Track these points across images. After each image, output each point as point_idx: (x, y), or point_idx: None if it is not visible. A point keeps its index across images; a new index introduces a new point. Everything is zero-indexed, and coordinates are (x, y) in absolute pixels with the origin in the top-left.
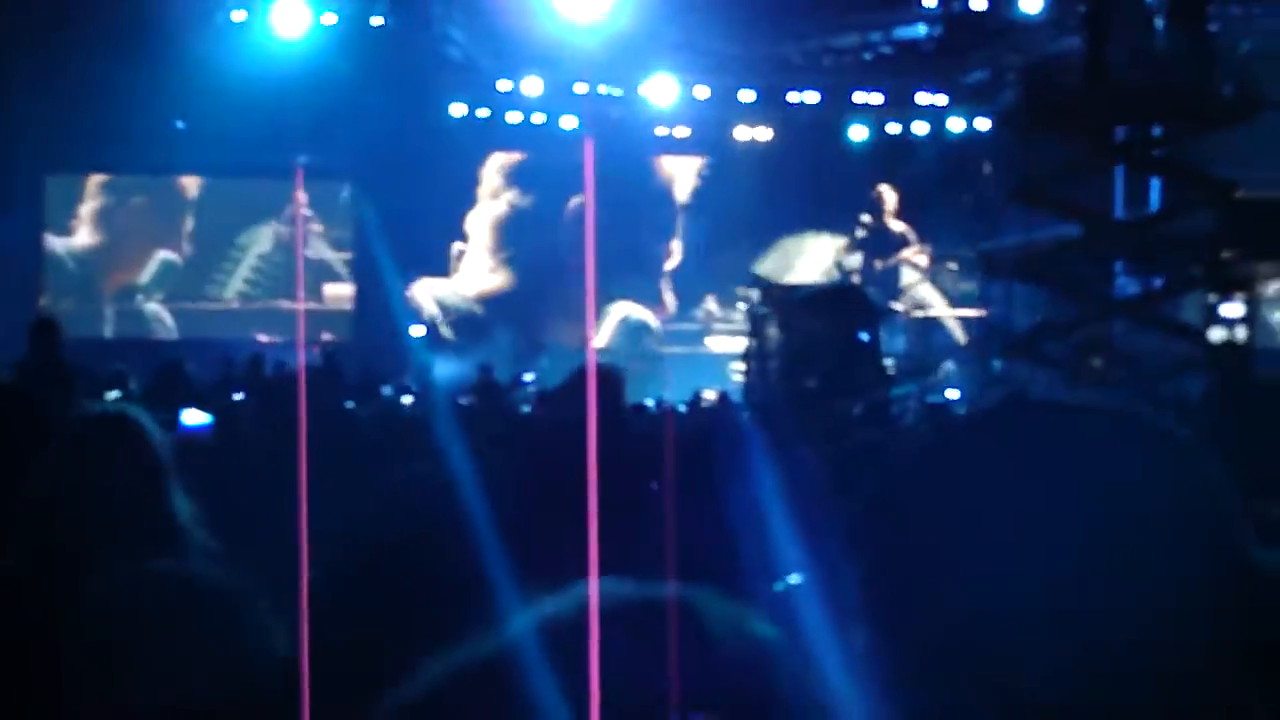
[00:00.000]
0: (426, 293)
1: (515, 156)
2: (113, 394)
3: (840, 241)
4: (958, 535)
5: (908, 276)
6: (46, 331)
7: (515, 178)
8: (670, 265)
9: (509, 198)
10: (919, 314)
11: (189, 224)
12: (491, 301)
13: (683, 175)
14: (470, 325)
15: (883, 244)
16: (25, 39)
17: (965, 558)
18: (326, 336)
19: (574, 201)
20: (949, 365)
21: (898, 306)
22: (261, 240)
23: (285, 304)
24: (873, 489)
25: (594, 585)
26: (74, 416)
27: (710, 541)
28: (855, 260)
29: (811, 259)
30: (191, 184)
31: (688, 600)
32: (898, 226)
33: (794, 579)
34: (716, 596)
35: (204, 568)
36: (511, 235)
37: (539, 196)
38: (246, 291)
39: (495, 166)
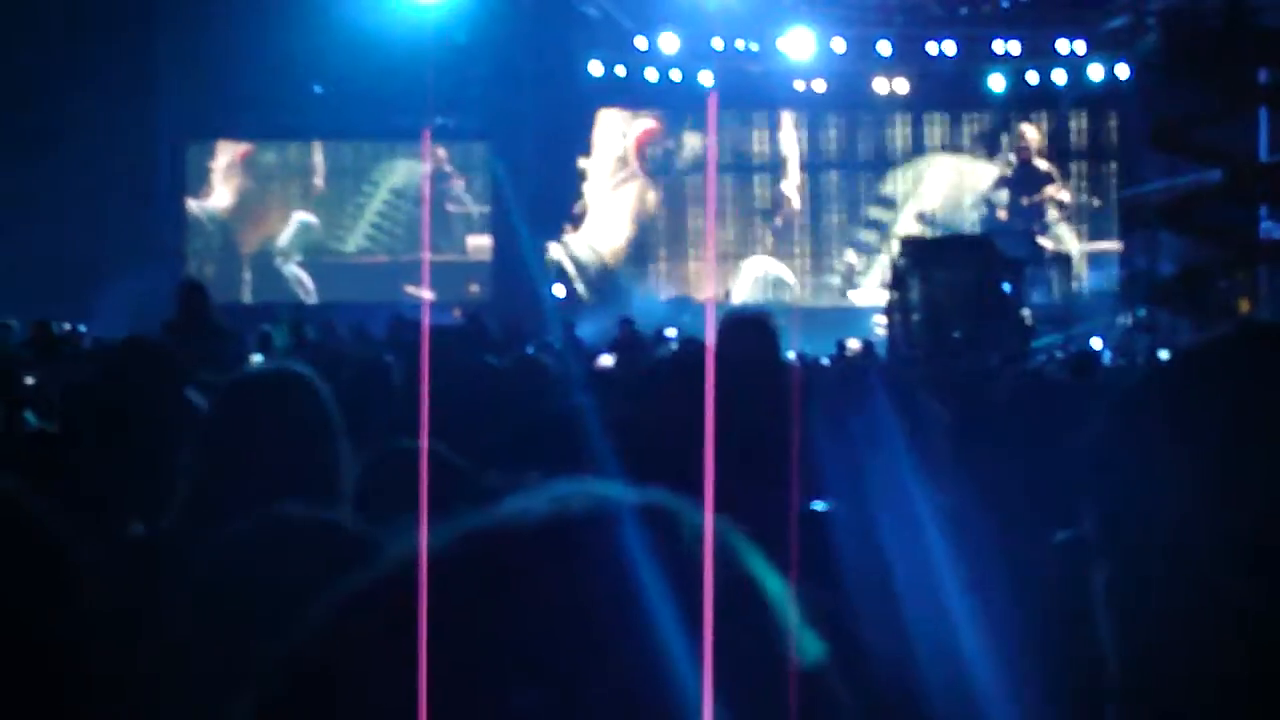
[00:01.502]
0: (563, 252)
1: (630, 129)
2: (257, 357)
3: (970, 165)
4: (1200, 463)
5: (1052, 213)
6: (195, 293)
7: (631, 145)
8: (800, 219)
9: (638, 135)
10: (1062, 250)
11: (323, 185)
12: (627, 258)
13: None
14: (607, 282)
15: (1028, 181)
16: (164, 9)
17: (1208, 486)
18: (474, 288)
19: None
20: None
21: (1045, 243)
22: (391, 185)
23: (430, 257)
24: (1106, 421)
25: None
26: (243, 374)
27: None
28: (1003, 196)
29: (946, 180)
30: (325, 146)
31: (664, 508)
32: (1042, 164)
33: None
34: (696, 508)
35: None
36: (645, 193)
37: (671, 155)
38: (374, 237)
39: (625, 126)
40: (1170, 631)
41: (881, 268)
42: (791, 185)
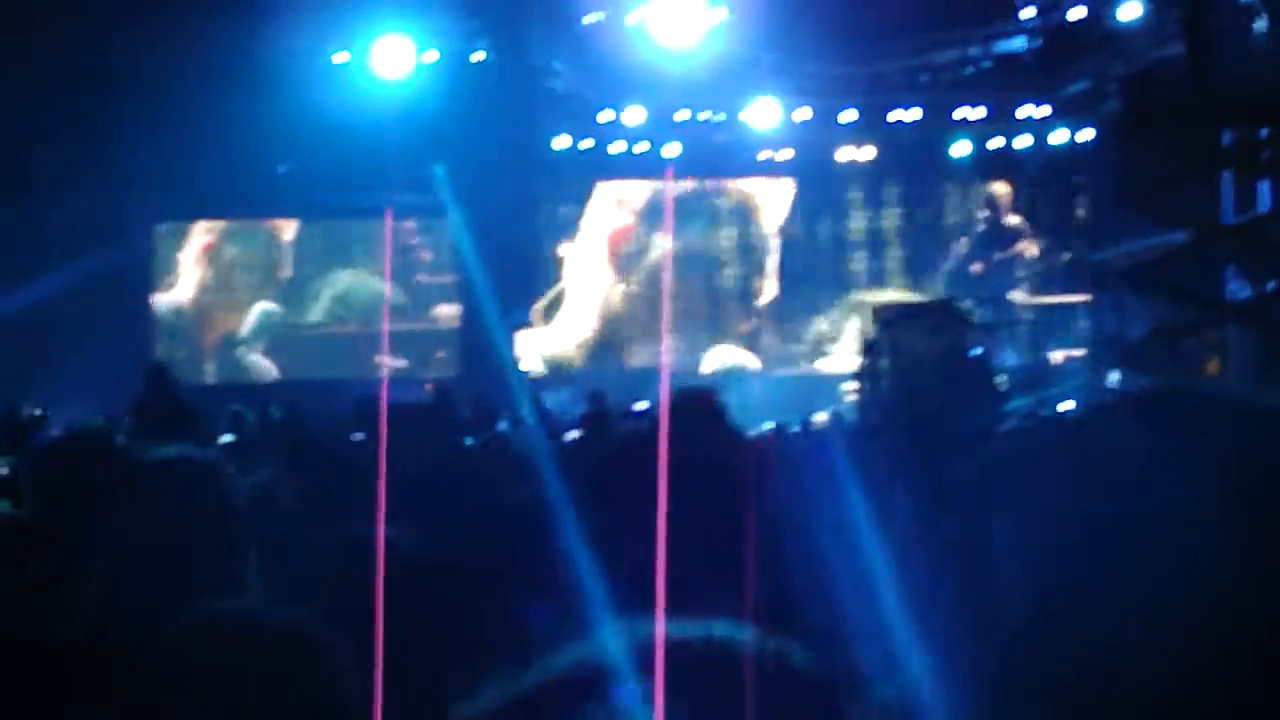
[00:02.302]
0: (530, 346)
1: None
2: (227, 437)
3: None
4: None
5: (1022, 270)
6: (161, 375)
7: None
8: (768, 298)
9: (612, 233)
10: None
11: (286, 269)
12: (593, 352)
13: (773, 202)
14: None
15: (999, 238)
16: (131, 87)
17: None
18: (440, 354)
19: (664, 247)
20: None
21: (1018, 297)
22: (354, 261)
23: (401, 326)
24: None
25: (659, 623)
26: (146, 460)
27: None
28: (975, 252)
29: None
30: (287, 228)
31: (749, 645)
32: (1013, 220)
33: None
34: (789, 643)
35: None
36: (619, 270)
37: (642, 232)
38: (338, 312)
39: (600, 202)
40: None
41: (851, 336)
42: (769, 270)
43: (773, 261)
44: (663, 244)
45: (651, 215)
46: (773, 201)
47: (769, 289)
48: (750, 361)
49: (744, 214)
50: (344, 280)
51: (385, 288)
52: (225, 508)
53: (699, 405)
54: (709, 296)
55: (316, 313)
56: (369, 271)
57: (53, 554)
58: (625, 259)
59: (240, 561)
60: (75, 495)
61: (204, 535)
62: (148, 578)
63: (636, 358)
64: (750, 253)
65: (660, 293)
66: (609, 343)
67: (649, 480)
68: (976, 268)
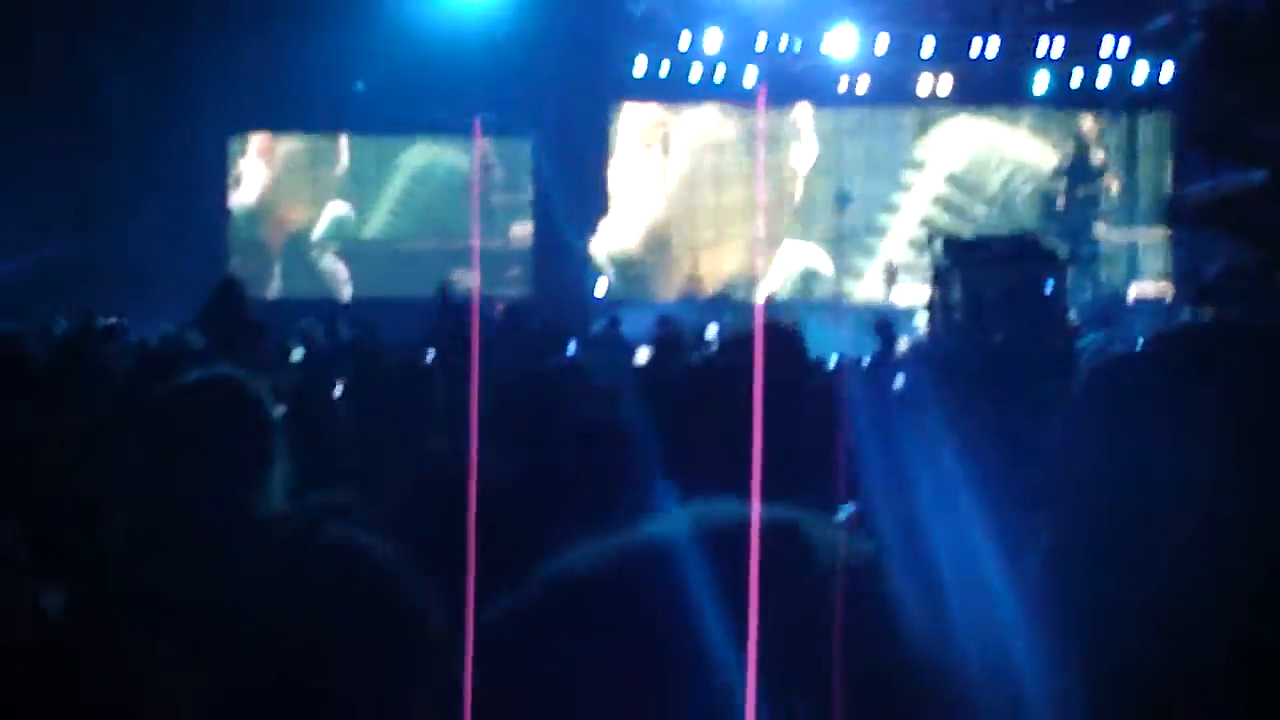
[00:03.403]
0: (602, 249)
1: (672, 116)
2: (298, 353)
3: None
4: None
5: (1106, 204)
6: (229, 290)
7: (673, 135)
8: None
9: (674, 155)
10: (1119, 237)
11: (352, 176)
12: (656, 246)
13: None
14: (641, 272)
15: (1084, 171)
16: (207, 4)
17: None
18: (514, 273)
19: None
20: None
21: (1100, 233)
22: (424, 172)
23: (471, 244)
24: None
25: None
26: (182, 382)
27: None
28: (1059, 184)
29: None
30: (354, 138)
31: (790, 521)
32: (1099, 155)
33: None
34: (819, 519)
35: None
36: (677, 189)
37: (699, 153)
38: (414, 225)
39: (652, 123)
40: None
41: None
42: (806, 155)
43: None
44: (695, 124)
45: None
46: (838, 123)
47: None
48: (824, 264)
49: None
50: (418, 156)
51: (473, 203)
52: (255, 429)
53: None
54: (772, 209)
55: (387, 201)
56: (443, 147)
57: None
58: (665, 143)
59: (271, 484)
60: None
61: (232, 457)
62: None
63: (707, 270)
64: (795, 135)
65: (706, 173)
66: (663, 235)
67: (726, 413)
68: (1059, 201)
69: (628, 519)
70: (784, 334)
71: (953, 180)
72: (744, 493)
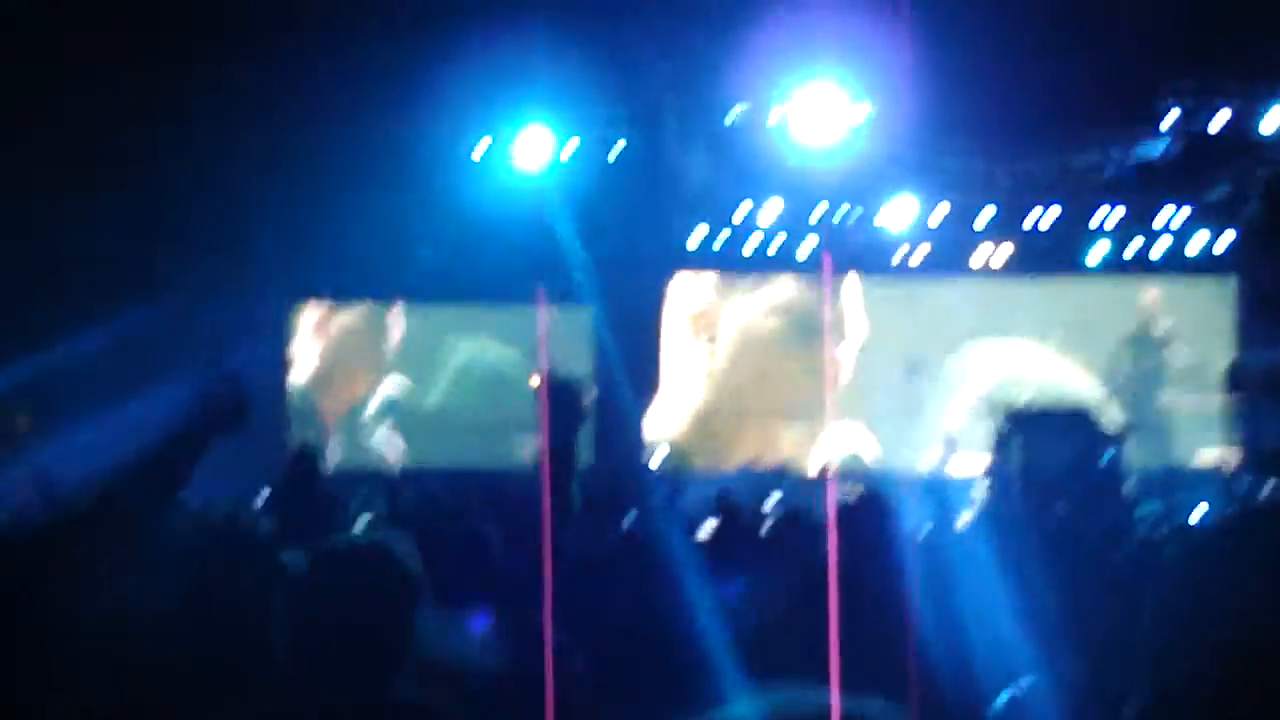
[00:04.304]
0: (659, 421)
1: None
2: (364, 517)
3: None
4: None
5: (1169, 375)
6: (306, 459)
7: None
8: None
9: (723, 345)
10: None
11: (396, 336)
12: (703, 430)
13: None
14: (690, 453)
15: (1147, 340)
16: (270, 169)
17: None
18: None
19: (771, 311)
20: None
21: (1165, 399)
22: (466, 355)
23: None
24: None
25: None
26: (328, 546)
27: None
28: (1124, 356)
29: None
30: (417, 313)
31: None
32: (1162, 325)
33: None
34: (892, 709)
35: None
36: (727, 370)
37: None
38: (474, 398)
39: (702, 310)
40: None
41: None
42: (851, 345)
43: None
44: (746, 313)
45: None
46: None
47: (886, 377)
48: (868, 445)
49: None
50: (465, 351)
51: (514, 359)
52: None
53: (876, 511)
54: (801, 371)
55: (440, 386)
56: (491, 340)
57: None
58: (712, 333)
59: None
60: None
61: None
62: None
63: (751, 445)
64: (840, 326)
65: (753, 365)
66: (711, 422)
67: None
68: (1123, 371)
69: (706, 704)
70: (881, 505)
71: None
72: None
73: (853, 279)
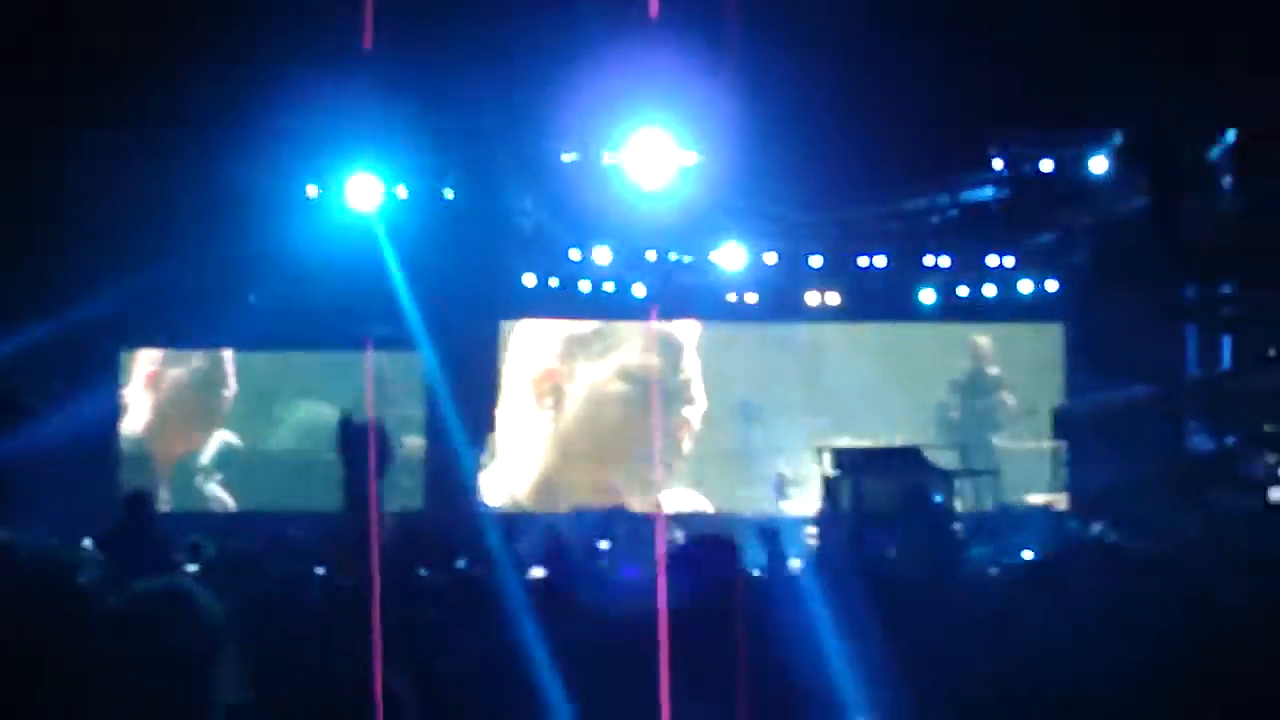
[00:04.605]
0: (488, 474)
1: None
2: (191, 566)
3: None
4: None
5: (1001, 417)
6: (139, 503)
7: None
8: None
9: (552, 389)
10: (1013, 448)
11: (231, 391)
12: (540, 490)
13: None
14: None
15: (980, 384)
16: (101, 213)
17: None
18: (405, 485)
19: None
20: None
21: (995, 442)
22: (313, 405)
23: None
24: None
25: None
26: (131, 591)
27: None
28: (955, 399)
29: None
30: (247, 359)
31: None
32: (993, 369)
33: None
34: None
35: None
36: (564, 425)
37: (586, 373)
38: (300, 440)
39: (534, 361)
40: None
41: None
42: (697, 409)
43: (720, 401)
44: (593, 377)
45: (578, 347)
46: (720, 337)
47: (720, 427)
48: (703, 504)
49: (676, 348)
50: (304, 410)
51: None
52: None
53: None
54: (647, 434)
55: (278, 442)
56: (326, 401)
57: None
58: (552, 397)
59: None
60: (43, 629)
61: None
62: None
63: (582, 496)
64: (686, 390)
65: (599, 429)
66: (553, 482)
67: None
68: (954, 414)
69: None
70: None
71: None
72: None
73: (692, 329)
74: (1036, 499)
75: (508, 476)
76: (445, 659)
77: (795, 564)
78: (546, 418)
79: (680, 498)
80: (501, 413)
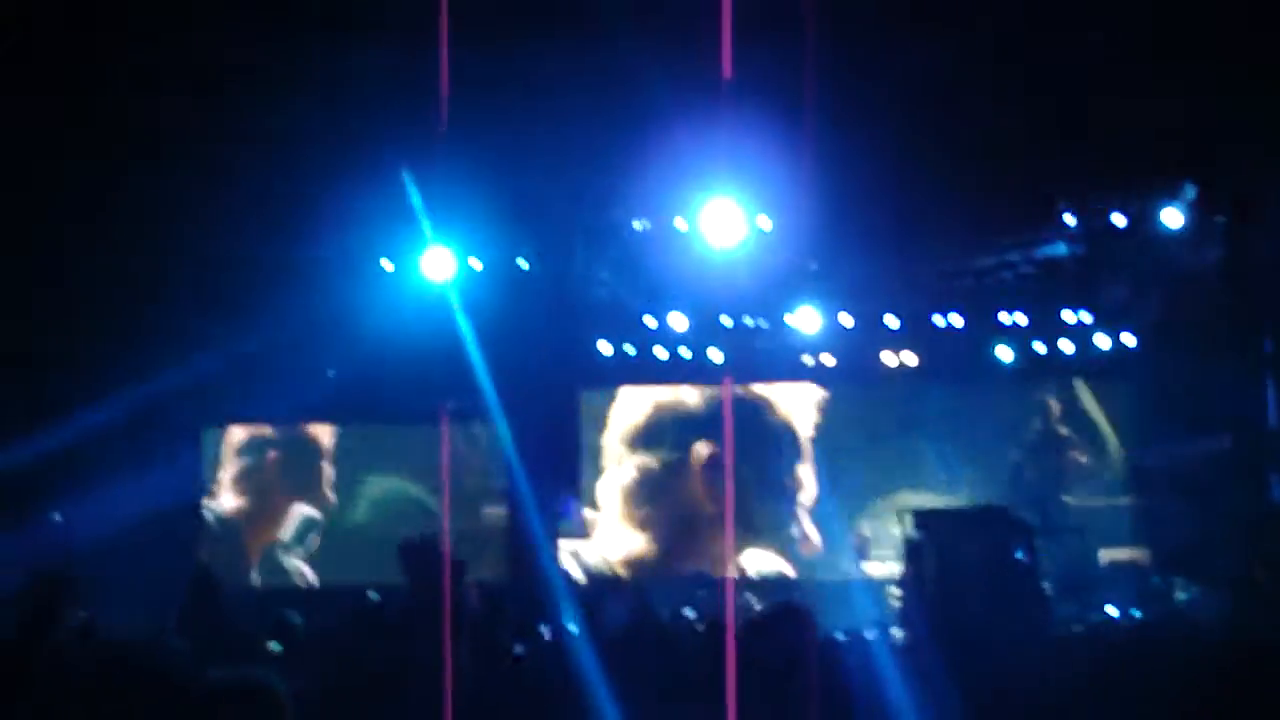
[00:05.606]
0: (568, 553)
1: (637, 421)
2: (274, 644)
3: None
4: None
5: (1074, 474)
6: (204, 581)
7: (638, 439)
8: (806, 497)
9: (635, 461)
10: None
11: (327, 473)
12: (633, 563)
13: (804, 406)
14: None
15: (1050, 444)
16: (173, 295)
17: None
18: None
19: (700, 450)
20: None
21: (1069, 500)
22: (382, 481)
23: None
24: None
25: None
26: (206, 682)
27: None
28: (1028, 459)
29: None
30: (326, 433)
31: None
32: (1064, 430)
33: None
34: None
35: None
36: (644, 496)
37: (664, 451)
38: (381, 515)
39: (616, 433)
40: None
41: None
42: (806, 466)
43: (807, 464)
44: (691, 449)
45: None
46: (804, 401)
47: (806, 490)
48: (784, 566)
49: (768, 414)
50: (380, 486)
51: (427, 491)
52: None
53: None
54: (740, 500)
55: (356, 517)
56: (403, 476)
57: None
58: (657, 471)
59: None
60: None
61: None
62: None
63: (676, 564)
64: (780, 454)
65: (691, 497)
66: (647, 555)
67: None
68: (1029, 474)
69: None
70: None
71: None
72: None
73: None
74: (1115, 556)
75: (601, 544)
76: None
77: (879, 622)
78: (644, 494)
79: (759, 558)
80: (600, 482)
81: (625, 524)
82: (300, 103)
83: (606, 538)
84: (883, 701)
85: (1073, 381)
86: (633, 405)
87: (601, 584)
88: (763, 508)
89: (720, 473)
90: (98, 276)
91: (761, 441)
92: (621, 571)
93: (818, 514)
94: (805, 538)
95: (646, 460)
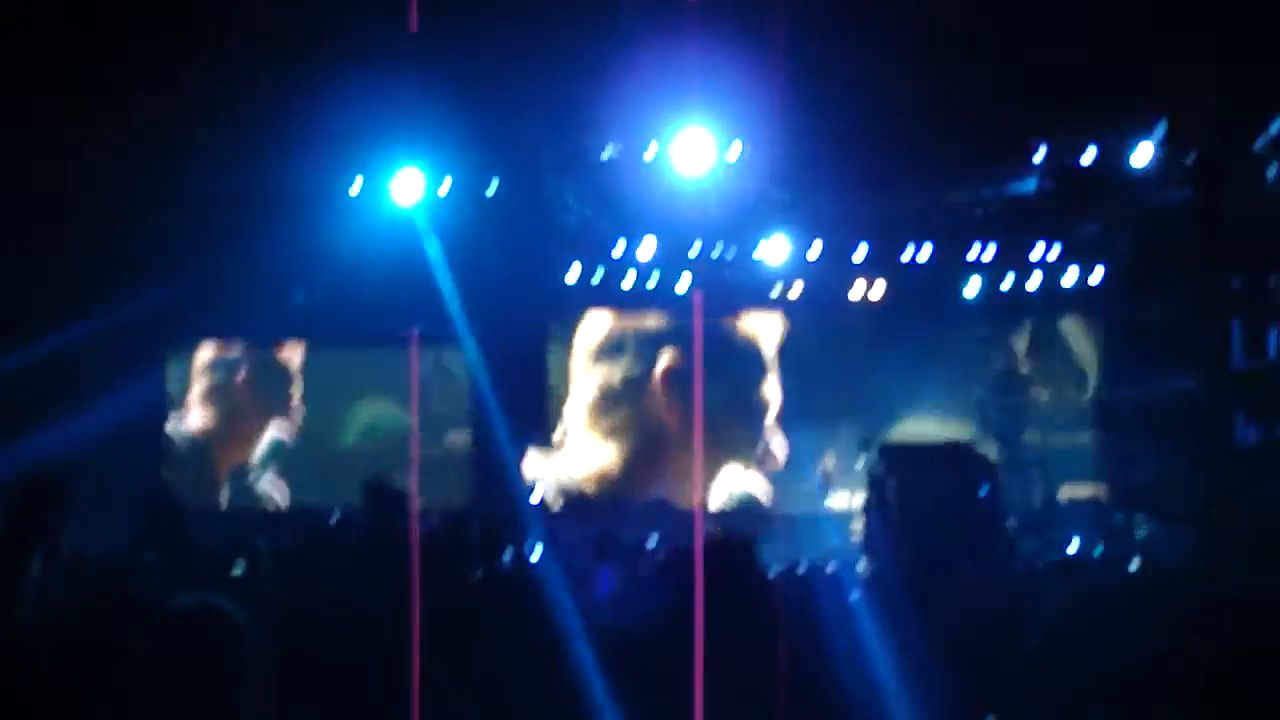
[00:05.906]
0: (536, 466)
1: (600, 335)
2: (237, 569)
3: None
4: None
5: (1035, 413)
6: (163, 505)
7: (601, 352)
8: (772, 416)
9: (597, 374)
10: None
11: (296, 395)
12: (606, 480)
13: (770, 329)
14: (583, 498)
15: (1013, 384)
16: (141, 217)
17: None
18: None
19: (662, 361)
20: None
21: (1031, 438)
22: (371, 409)
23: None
24: None
25: None
26: (170, 607)
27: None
28: (990, 398)
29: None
30: (295, 355)
31: None
32: (1029, 366)
33: None
34: None
35: None
36: (606, 408)
37: (626, 364)
38: (356, 439)
39: (581, 349)
40: None
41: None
42: (772, 384)
43: (773, 382)
44: (658, 368)
45: (642, 344)
46: (771, 325)
47: (773, 409)
48: (761, 486)
49: (734, 333)
50: (369, 411)
51: (409, 416)
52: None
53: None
54: (708, 416)
55: (343, 442)
56: (390, 400)
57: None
58: (626, 387)
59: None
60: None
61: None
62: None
63: (644, 483)
64: (748, 371)
65: (655, 410)
66: (614, 471)
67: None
68: (993, 410)
69: None
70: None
71: None
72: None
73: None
74: (1079, 492)
75: (567, 461)
76: (485, 655)
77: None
78: (618, 410)
79: (737, 477)
80: (565, 406)
81: (590, 439)
82: (269, 18)
83: (572, 455)
84: (844, 635)
85: (1040, 318)
86: (596, 321)
87: (567, 507)
88: (730, 423)
89: (683, 385)
90: (65, 202)
91: (728, 359)
92: (587, 489)
93: (783, 431)
94: (771, 455)
95: (608, 373)
